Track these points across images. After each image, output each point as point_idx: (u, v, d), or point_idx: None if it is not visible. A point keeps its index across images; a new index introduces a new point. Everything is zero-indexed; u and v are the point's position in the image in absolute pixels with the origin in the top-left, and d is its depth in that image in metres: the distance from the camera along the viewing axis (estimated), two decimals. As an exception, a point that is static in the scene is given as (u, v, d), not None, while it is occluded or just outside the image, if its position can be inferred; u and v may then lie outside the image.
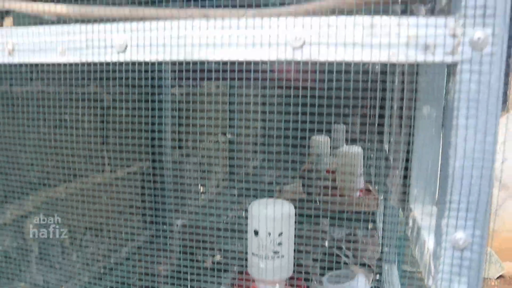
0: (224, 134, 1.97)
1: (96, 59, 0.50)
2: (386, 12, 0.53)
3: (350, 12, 0.58)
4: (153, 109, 1.39)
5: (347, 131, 2.16)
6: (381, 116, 1.48)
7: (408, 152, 0.73)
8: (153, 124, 1.36)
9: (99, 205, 1.12)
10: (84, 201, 1.03)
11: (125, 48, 0.49)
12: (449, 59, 0.42)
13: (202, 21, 0.45)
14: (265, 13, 0.58)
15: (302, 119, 0.85)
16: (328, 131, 2.11)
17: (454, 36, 0.41)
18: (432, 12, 0.55)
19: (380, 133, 1.47)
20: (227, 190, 1.91)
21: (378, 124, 1.49)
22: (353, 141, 1.97)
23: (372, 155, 1.70)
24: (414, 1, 0.57)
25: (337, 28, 0.42)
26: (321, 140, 2.13)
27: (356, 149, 1.82)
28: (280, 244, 1.02)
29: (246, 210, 1.08)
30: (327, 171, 2.10)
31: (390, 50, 0.42)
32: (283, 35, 0.44)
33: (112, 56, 0.49)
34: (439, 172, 0.66)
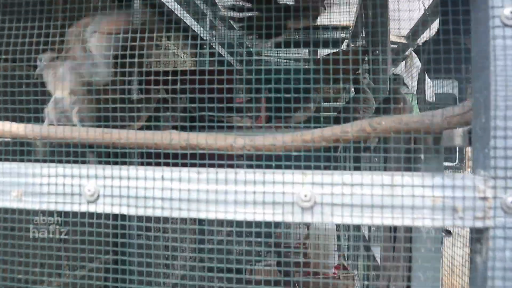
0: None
1: (60, 207, 0.42)
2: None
3: (347, 141, 0.54)
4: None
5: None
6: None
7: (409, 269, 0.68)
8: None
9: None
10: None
11: (97, 198, 0.40)
12: (480, 224, 0.36)
13: (192, 172, 0.38)
14: (257, 141, 0.52)
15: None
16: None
17: (484, 199, 0.36)
18: (436, 141, 0.52)
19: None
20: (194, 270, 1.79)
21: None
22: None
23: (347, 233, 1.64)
24: (423, 136, 0.54)
25: (353, 187, 0.37)
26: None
27: (330, 224, 1.77)
28: None
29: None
30: (298, 244, 2.03)
31: (413, 214, 0.36)
32: (290, 193, 0.37)
33: (80, 206, 0.41)
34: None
